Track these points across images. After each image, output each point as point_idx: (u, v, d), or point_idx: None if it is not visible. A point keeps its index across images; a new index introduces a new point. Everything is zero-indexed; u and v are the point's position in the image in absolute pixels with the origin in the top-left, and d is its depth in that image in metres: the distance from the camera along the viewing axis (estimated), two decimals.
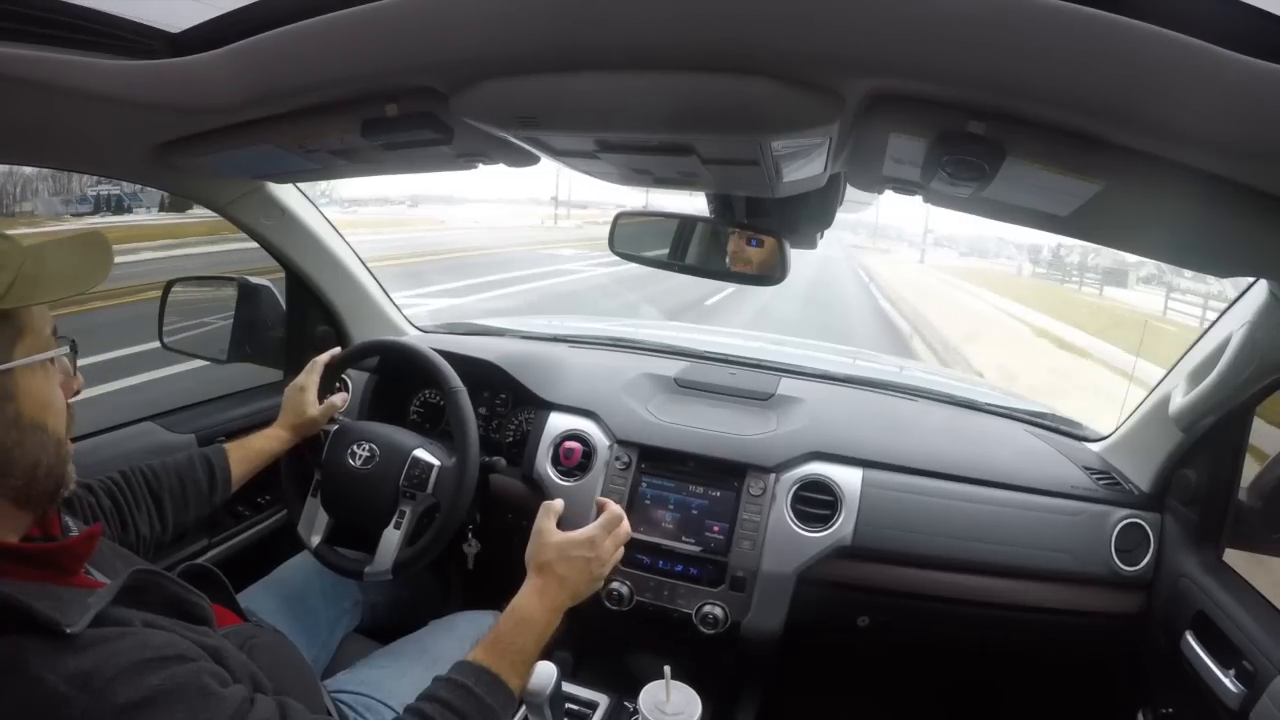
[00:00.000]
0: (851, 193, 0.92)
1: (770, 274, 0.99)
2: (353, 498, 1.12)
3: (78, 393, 0.64)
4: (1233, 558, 1.00)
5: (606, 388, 1.31)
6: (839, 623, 1.17)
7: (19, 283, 0.53)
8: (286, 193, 1.25)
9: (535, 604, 0.81)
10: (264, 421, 1.13)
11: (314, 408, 1.12)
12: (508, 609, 0.81)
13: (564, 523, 0.93)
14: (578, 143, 0.73)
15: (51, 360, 0.59)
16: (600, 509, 0.99)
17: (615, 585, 1.12)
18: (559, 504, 0.95)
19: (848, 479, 1.13)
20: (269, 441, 1.08)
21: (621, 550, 0.97)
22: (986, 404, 1.40)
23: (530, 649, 0.77)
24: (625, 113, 0.61)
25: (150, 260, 5.99)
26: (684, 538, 1.13)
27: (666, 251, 1.07)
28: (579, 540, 0.89)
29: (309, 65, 0.64)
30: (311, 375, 1.14)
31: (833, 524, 1.11)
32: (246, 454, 1.04)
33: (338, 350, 1.20)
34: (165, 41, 0.66)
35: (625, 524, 0.98)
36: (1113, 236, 0.78)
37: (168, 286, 1.31)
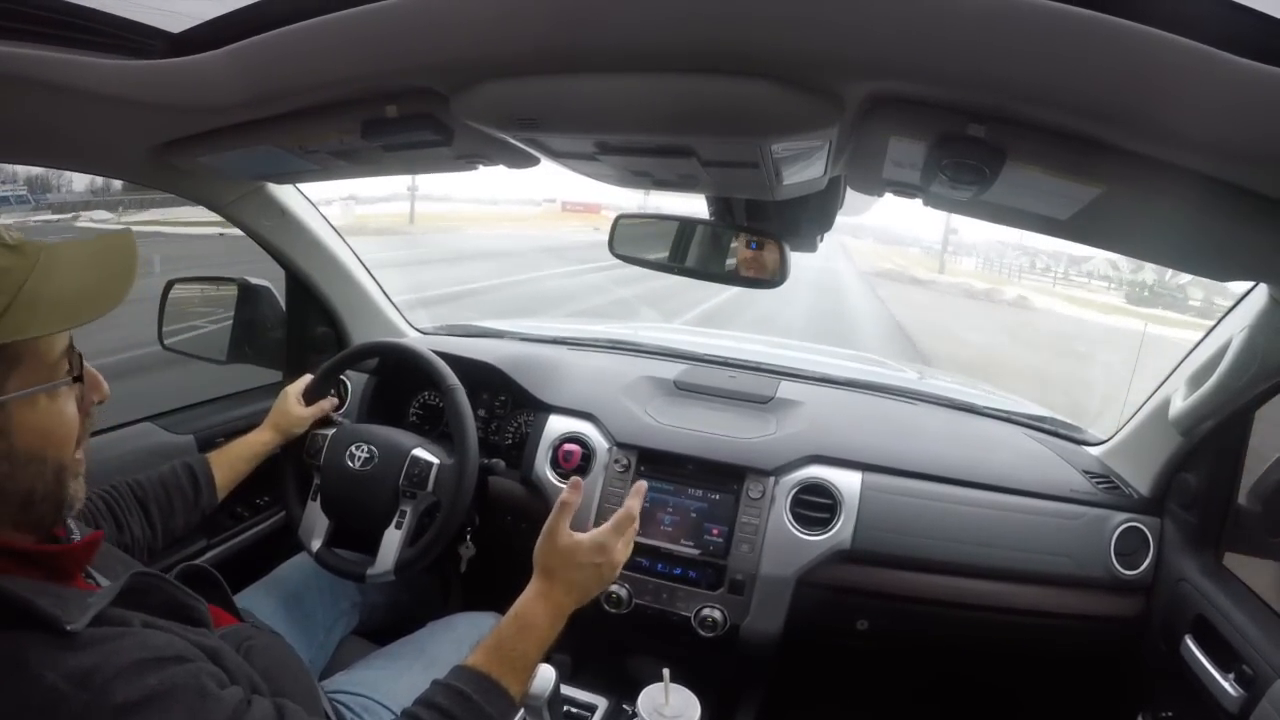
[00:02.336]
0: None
1: (770, 277, 0.99)
2: (353, 499, 1.11)
3: (101, 401, 0.61)
4: (1232, 561, 1.00)
5: (606, 390, 1.31)
6: (838, 626, 1.16)
7: (14, 310, 0.49)
8: (287, 194, 1.26)
9: (540, 608, 0.78)
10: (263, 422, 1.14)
11: (298, 407, 1.13)
12: (510, 612, 0.77)
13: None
14: (577, 144, 0.73)
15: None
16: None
17: (614, 588, 1.12)
18: (575, 498, 0.84)
19: (847, 482, 1.13)
20: (252, 445, 1.09)
21: (630, 548, 0.90)
22: (986, 408, 1.40)
23: (533, 654, 0.74)
24: (625, 115, 0.61)
25: None
26: (683, 541, 1.13)
27: (666, 254, 1.08)
28: (591, 546, 0.83)
29: (309, 66, 0.64)
30: (302, 379, 1.16)
31: (832, 527, 1.10)
32: (229, 459, 1.06)
33: (309, 378, 1.20)
34: (165, 41, 0.66)
35: (636, 522, 0.91)
36: (1112, 240, 0.78)
37: (168, 286, 1.30)
